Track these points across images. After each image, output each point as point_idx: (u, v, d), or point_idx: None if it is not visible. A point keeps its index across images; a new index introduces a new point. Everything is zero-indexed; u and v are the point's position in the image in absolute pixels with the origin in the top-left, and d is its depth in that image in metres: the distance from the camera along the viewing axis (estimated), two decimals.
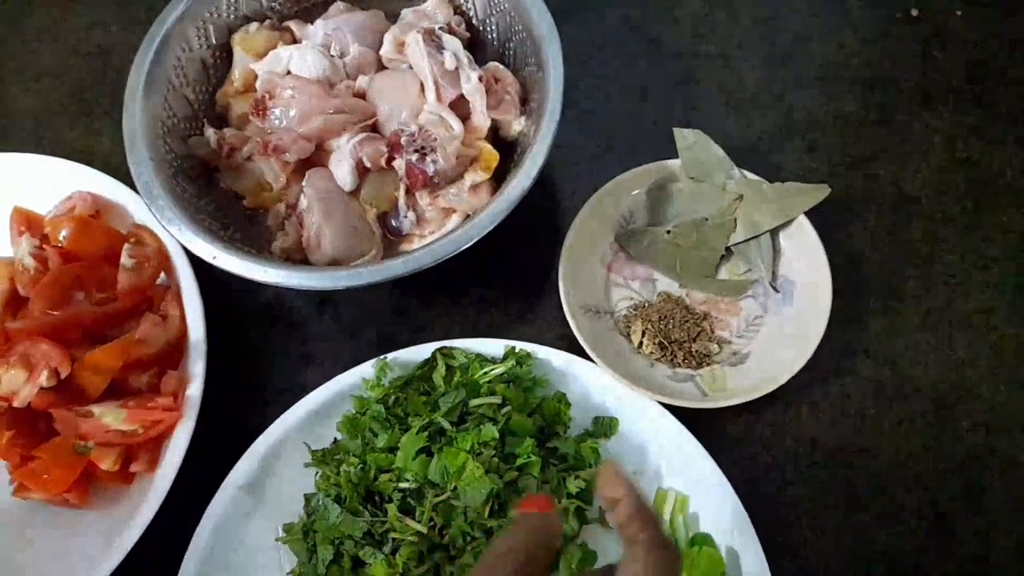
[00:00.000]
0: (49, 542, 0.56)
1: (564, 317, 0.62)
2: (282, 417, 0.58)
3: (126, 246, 0.61)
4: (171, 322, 0.59)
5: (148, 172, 0.58)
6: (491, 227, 0.56)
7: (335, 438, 0.59)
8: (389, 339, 0.66)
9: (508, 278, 0.68)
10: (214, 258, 0.55)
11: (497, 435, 0.52)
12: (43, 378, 0.53)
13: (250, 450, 0.57)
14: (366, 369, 0.59)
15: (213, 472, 0.57)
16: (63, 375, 0.53)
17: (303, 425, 0.59)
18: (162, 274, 0.62)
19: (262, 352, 0.65)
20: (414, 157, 0.61)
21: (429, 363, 0.59)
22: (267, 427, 0.58)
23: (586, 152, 0.73)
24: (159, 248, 0.62)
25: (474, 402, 0.55)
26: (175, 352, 0.59)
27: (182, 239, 0.56)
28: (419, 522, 0.51)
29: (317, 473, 0.57)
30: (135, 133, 0.60)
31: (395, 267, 0.55)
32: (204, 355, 0.58)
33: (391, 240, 0.64)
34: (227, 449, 0.58)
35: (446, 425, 0.54)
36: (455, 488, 0.51)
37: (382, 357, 0.59)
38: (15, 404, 0.54)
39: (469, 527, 0.51)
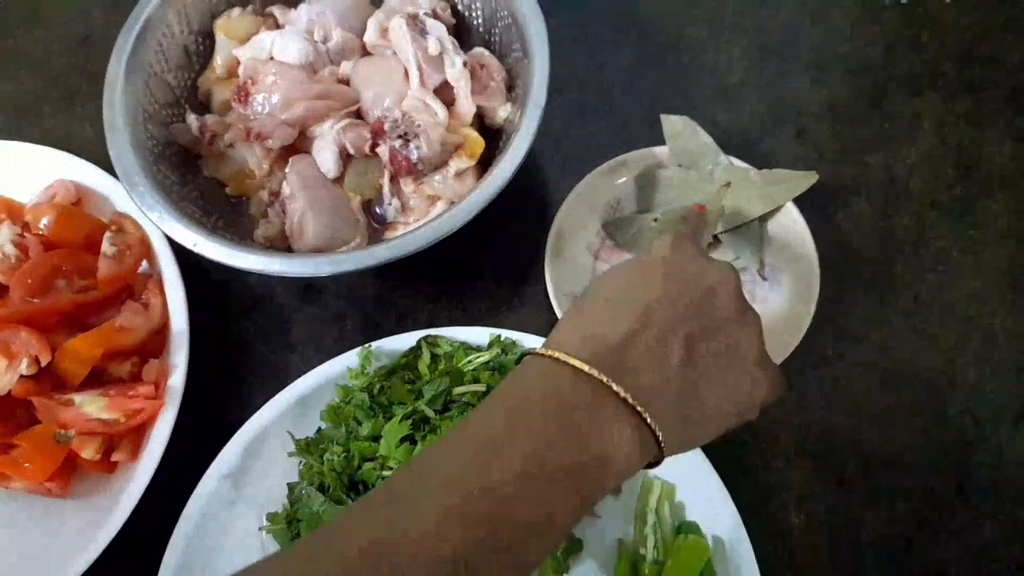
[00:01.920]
0: (30, 532, 0.56)
1: (551, 304, 0.61)
2: (266, 406, 0.58)
3: (107, 234, 0.60)
4: (153, 310, 0.58)
5: (128, 159, 0.57)
6: (475, 214, 0.56)
7: (319, 427, 0.59)
8: (374, 327, 0.65)
9: (494, 266, 0.67)
10: (195, 245, 0.55)
11: None
12: (23, 366, 0.53)
13: (233, 439, 0.57)
14: (350, 358, 0.59)
15: (196, 461, 0.56)
16: (43, 363, 0.53)
17: (287, 414, 0.58)
18: (144, 263, 0.61)
19: (245, 341, 0.65)
20: (398, 143, 0.61)
21: (414, 351, 0.59)
22: (250, 416, 0.58)
23: (573, 139, 0.72)
24: (141, 237, 0.61)
25: (458, 390, 0.54)
26: (157, 341, 0.58)
27: (163, 226, 0.55)
28: None
29: (301, 462, 0.57)
30: (115, 119, 0.59)
31: (379, 253, 0.55)
32: (187, 344, 0.58)
33: (376, 228, 0.64)
34: (210, 438, 0.57)
35: (430, 413, 0.53)
36: None
37: (366, 346, 0.59)
38: None
39: None
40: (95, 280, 0.59)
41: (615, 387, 0.37)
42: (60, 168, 0.65)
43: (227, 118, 0.64)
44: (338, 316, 0.66)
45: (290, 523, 0.54)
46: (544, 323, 0.65)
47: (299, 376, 0.59)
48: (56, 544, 0.55)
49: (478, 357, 0.56)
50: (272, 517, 0.55)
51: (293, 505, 0.55)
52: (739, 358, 0.42)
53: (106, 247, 0.59)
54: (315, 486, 0.53)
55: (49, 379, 0.54)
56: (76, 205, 0.62)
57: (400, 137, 0.60)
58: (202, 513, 0.55)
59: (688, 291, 0.42)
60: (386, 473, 0.52)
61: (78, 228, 0.60)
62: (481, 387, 0.54)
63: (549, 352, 0.39)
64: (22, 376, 0.53)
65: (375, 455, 0.53)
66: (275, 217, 0.62)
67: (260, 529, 0.56)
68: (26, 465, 0.53)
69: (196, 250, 0.55)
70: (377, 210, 0.64)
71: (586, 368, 0.37)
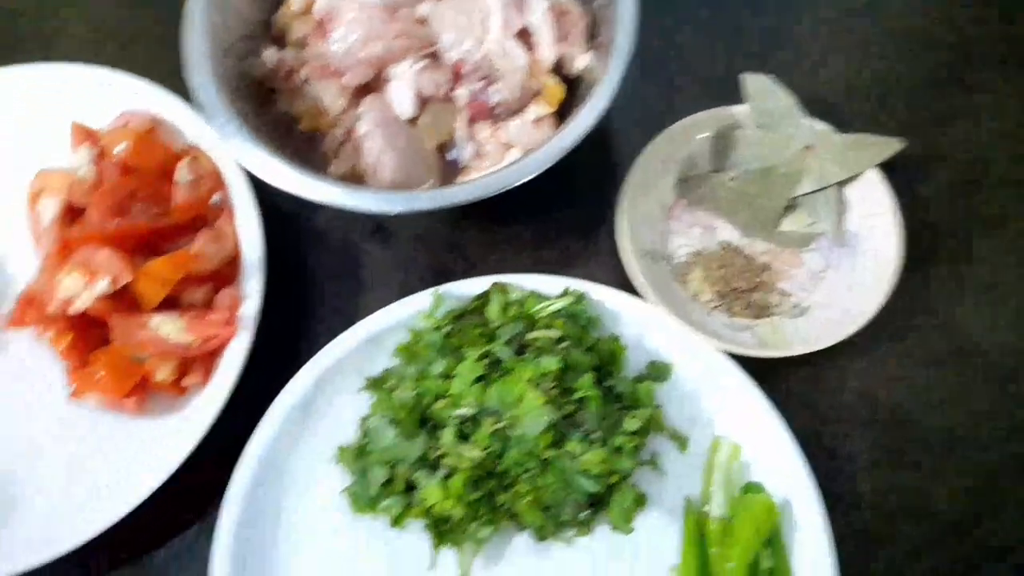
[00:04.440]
0: (105, 448, 0.56)
1: (617, 261, 0.61)
2: (336, 340, 0.58)
3: (181, 163, 0.60)
4: (226, 239, 0.58)
5: (209, 90, 0.57)
6: (555, 161, 0.55)
7: (384, 368, 0.59)
8: (441, 272, 0.65)
9: (563, 218, 0.67)
10: (273, 176, 0.54)
11: (558, 367, 0.51)
12: (103, 285, 0.53)
13: (303, 370, 0.57)
14: (421, 299, 0.59)
15: (266, 389, 0.56)
16: (123, 283, 0.53)
17: (356, 351, 0.58)
18: (216, 195, 0.61)
19: (314, 277, 0.65)
20: (477, 87, 0.60)
21: (484, 297, 0.58)
22: (318, 350, 0.58)
23: (649, 93, 0.71)
24: (213, 168, 0.61)
25: (533, 335, 0.54)
26: (229, 271, 0.58)
27: (241, 157, 0.55)
28: (474, 449, 0.50)
29: (370, 398, 0.57)
30: (195, 51, 0.58)
31: (456, 193, 0.54)
32: (260, 274, 0.58)
33: (448, 173, 0.63)
34: (280, 368, 0.58)
35: (504, 355, 0.53)
36: (512, 417, 0.50)
37: (438, 288, 0.58)
38: (72, 309, 0.53)
39: (525, 457, 0.50)
40: (168, 208, 0.59)
41: None
42: (135, 95, 0.64)
43: (304, 54, 0.63)
44: (407, 259, 0.66)
45: (360, 455, 0.55)
46: (609, 279, 0.64)
47: (366, 315, 0.59)
48: (128, 462, 0.55)
49: (551, 304, 0.56)
50: (342, 449, 0.55)
51: (364, 438, 0.55)
52: None
53: (181, 175, 0.59)
54: (387, 420, 0.53)
55: (125, 301, 0.55)
56: (150, 134, 0.62)
57: (480, 80, 0.59)
58: (271, 440, 0.55)
59: None
60: (459, 412, 0.51)
61: (153, 156, 0.60)
62: (556, 333, 0.53)
63: None
64: (101, 295, 0.53)
65: (447, 394, 0.53)
66: (348, 155, 0.61)
67: (331, 459, 0.56)
68: (103, 381, 0.53)
69: (275, 183, 0.54)
70: (451, 154, 0.63)
71: None
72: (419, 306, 0.59)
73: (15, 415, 0.58)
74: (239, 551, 0.53)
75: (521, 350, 0.54)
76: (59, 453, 0.56)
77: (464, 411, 0.51)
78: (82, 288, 0.53)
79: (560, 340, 0.54)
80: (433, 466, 0.52)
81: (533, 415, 0.50)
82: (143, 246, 0.56)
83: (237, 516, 0.53)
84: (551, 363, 0.51)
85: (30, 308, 0.57)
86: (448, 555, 0.54)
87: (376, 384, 0.57)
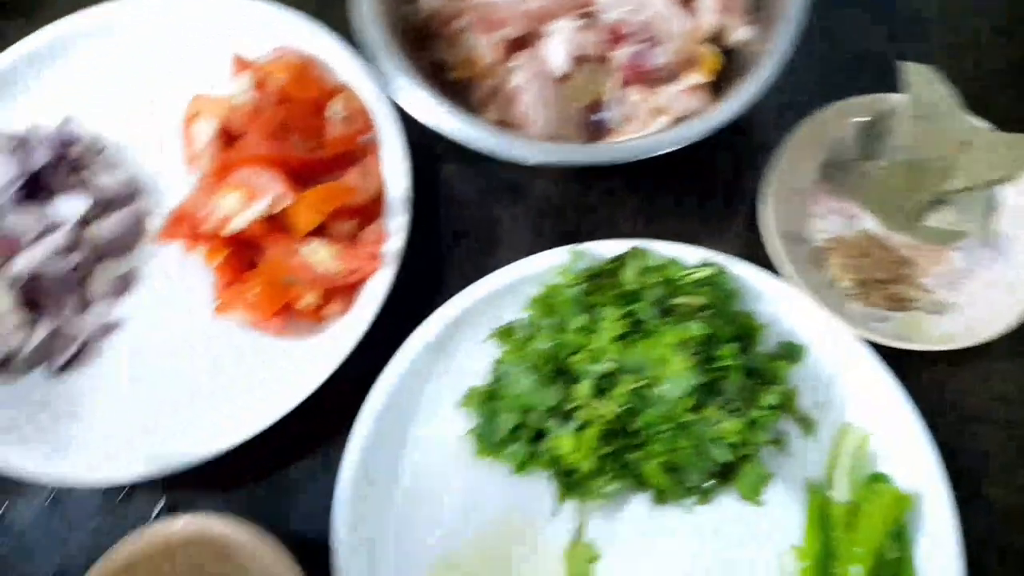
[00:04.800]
0: (243, 366, 0.58)
1: (751, 239, 0.60)
2: (471, 287, 0.59)
3: (334, 99, 0.61)
4: (373, 179, 0.59)
5: (372, 30, 0.58)
6: (716, 129, 0.55)
7: (508, 322, 0.59)
8: (570, 235, 0.65)
9: (702, 190, 0.66)
10: (433, 117, 0.55)
11: (705, 333, 0.51)
12: (264, 204, 0.54)
13: (439, 312, 0.58)
14: (554, 255, 0.59)
15: (396, 329, 0.57)
16: (284, 205, 0.54)
17: (488, 299, 0.59)
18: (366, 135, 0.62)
19: (448, 225, 0.66)
20: (639, 49, 0.60)
21: (620, 259, 0.58)
22: (449, 296, 0.58)
23: (802, 73, 0.69)
24: (363, 107, 0.62)
25: (677, 300, 0.54)
26: (373, 209, 0.60)
27: (398, 96, 0.56)
28: (611, 404, 0.51)
29: (498, 347, 0.58)
30: None
31: (611, 151, 0.55)
32: (407, 212, 0.59)
33: (593, 134, 0.63)
34: (412, 309, 0.59)
35: (649, 316, 0.53)
36: (653, 378, 0.51)
37: (576, 246, 0.59)
38: (230, 227, 0.55)
39: (661, 418, 0.50)
40: (321, 142, 0.60)
41: None
42: (291, 31, 0.66)
43: (463, 3, 0.64)
44: (538, 218, 0.66)
45: (490, 399, 0.55)
46: (743, 255, 0.63)
47: (495, 268, 0.60)
48: (265, 380, 0.57)
49: (694, 273, 0.56)
50: (472, 391, 0.56)
51: (496, 382, 0.56)
52: None
53: (333, 111, 0.61)
54: (522, 367, 0.54)
55: (278, 227, 0.56)
56: (305, 68, 0.63)
57: (643, 42, 0.59)
58: (402, 375, 0.56)
59: None
60: (598, 366, 0.52)
61: (308, 90, 0.61)
62: (701, 299, 0.53)
63: None
64: (258, 216, 0.55)
65: (584, 348, 0.53)
66: (499, 107, 0.62)
67: (458, 401, 0.57)
68: (251, 301, 0.55)
69: (434, 124, 0.55)
70: (598, 116, 0.63)
71: None
72: (552, 262, 0.59)
73: (161, 324, 0.60)
74: (364, 476, 0.54)
75: (663, 314, 0.54)
76: (200, 365, 0.59)
77: (604, 366, 0.52)
78: (241, 207, 0.55)
79: (703, 308, 0.54)
80: (565, 417, 0.53)
81: (676, 377, 0.50)
82: (297, 176, 0.57)
83: (365, 443, 0.55)
84: (698, 328, 0.51)
85: (182, 223, 0.59)
86: (566, 506, 0.55)
87: (505, 334, 0.58)
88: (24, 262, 0.57)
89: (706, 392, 0.51)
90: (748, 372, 0.53)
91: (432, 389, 0.58)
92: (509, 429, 0.54)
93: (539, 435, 0.54)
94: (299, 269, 0.54)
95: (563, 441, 0.51)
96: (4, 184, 0.58)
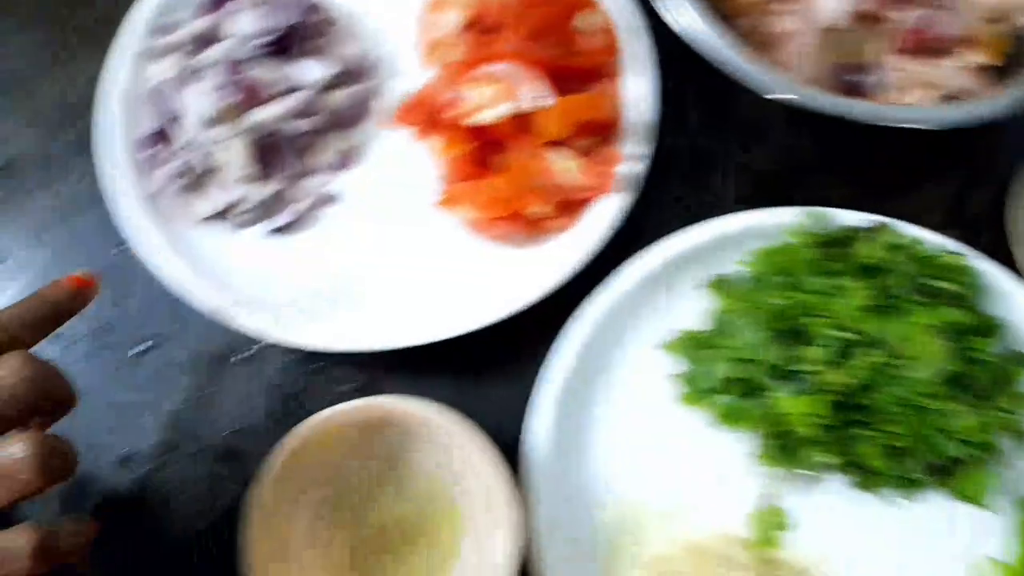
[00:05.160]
0: (452, 264, 0.57)
1: (993, 237, 0.57)
2: (692, 229, 0.56)
3: (584, 12, 0.59)
4: (617, 99, 0.57)
5: None
6: (996, 116, 0.51)
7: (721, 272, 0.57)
8: (789, 196, 0.62)
9: (943, 175, 0.63)
10: (710, 47, 0.53)
11: (963, 320, 0.48)
12: (522, 102, 0.53)
13: (657, 247, 0.56)
14: (789, 213, 0.57)
15: (609, 258, 0.56)
16: (543, 106, 0.53)
17: (706, 245, 0.57)
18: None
19: (672, 164, 0.62)
20: (923, 14, 0.56)
21: (858, 231, 0.56)
22: (664, 234, 0.57)
23: None
24: (609, 25, 0.59)
25: (931, 281, 0.51)
26: (612, 129, 0.57)
27: (685, 24, 0.53)
28: (846, 375, 0.49)
29: (712, 296, 0.56)
30: None
31: (881, 112, 0.52)
32: (650, 140, 0.57)
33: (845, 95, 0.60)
34: (626, 241, 0.57)
35: (902, 292, 0.50)
36: (898, 356, 0.48)
37: (816, 208, 0.56)
38: (476, 119, 0.54)
39: (901, 400, 0.48)
40: (570, 52, 0.58)
41: None
42: None
43: None
44: (767, 174, 0.63)
45: (701, 345, 0.54)
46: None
47: (710, 216, 0.57)
48: (474, 286, 0.56)
49: (943, 257, 0.53)
50: (686, 334, 0.55)
51: (715, 329, 0.54)
52: None
53: (583, 23, 0.58)
54: (746, 320, 0.52)
55: (521, 129, 0.55)
56: None
57: (934, 8, 0.56)
58: (609, 308, 0.55)
59: None
60: (838, 334, 0.50)
61: None
62: (955, 286, 0.51)
63: None
64: (510, 113, 0.53)
65: (819, 311, 0.51)
66: (754, 48, 0.59)
67: (663, 345, 0.56)
68: (479, 199, 0.54)
69: (710, 54, 0.53)
70: (853, 78, 0.60)
71: None
72: (781, 219, 0.57)
73: (377, 206, 0.59)
74: (560, 401, 0.53)
75: (916, 294, 0.51)
76: (410, 254, 0.58)
77: (846, 334, 0.50)
78: (495, 101, 0.53)
79: (955, 296, 0.51)
80: (785, 377, 0.51)
81: (927, 360, 0.48)
82: (552, 81, 0.55)
83: (565, 367, 0.54)
84: (957, 315, 0.48)
85: (419, 110, 0.58)
86: (761, 470, 0.53)
87: (720, 284, 0.56)
88: (263, 115, 0.56)
89: (954, 382, 0.48)
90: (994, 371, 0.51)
91: (635, 326, 0.56)
92: (723, 379, 0.53)
93: (751, 391, 0.52)
94: (542, 174, 0.53)
95: (787, 402, 0.50)
96: (252, 34, 0.57)
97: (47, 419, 0.39)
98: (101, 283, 0.44)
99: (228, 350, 0.58)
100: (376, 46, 0.63)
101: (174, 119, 0.57)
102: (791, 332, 0.52)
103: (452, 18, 0.60)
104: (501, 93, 0.53)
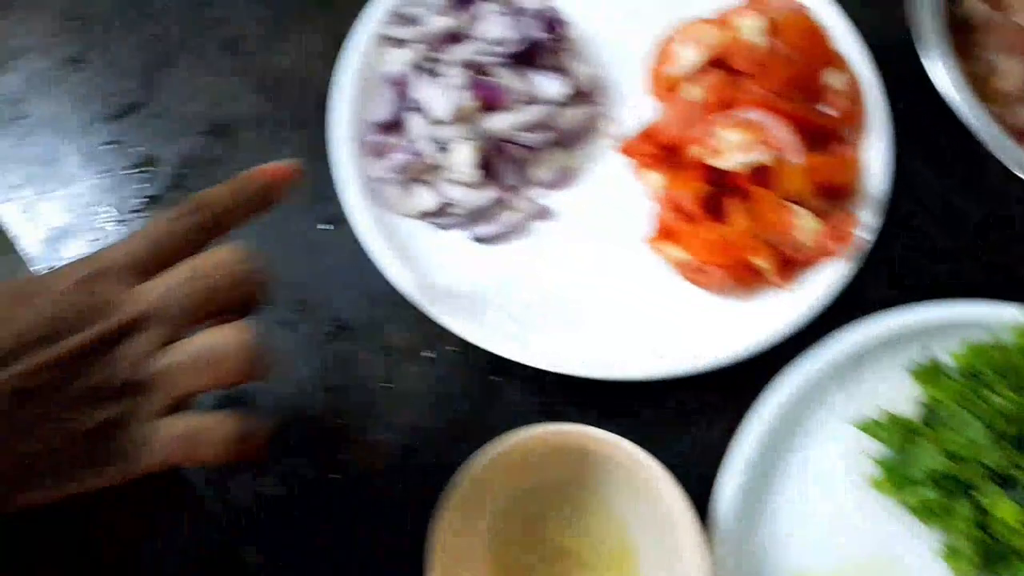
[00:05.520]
0: (656, 304, 0.57)
1: None
2: (911, 308, 0.55)
3: (833, 69, 0.58)
4: (856, 162, 0.56)
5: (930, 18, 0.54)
6: None
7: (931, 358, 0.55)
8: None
9: None
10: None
11: None
12: (764, 155, 0.52)
13: (864, 324, 0.54)
14: (1014, 311, 0.54)
15: (817, 326, 0.54)
16: (793, 161, 0.52)
17: (921, 330, 0.55)
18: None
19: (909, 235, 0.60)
20: None
21: None
22: (872, 311, 0.55)
23: None
24: (858, 85, 0.58)
25: None
26: (845, 193, 0.56)
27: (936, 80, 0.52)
28: None
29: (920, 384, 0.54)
30: None
31: None
32: (882, 208, 0.56)
33: None
34: (836, 311, 0.55)
35: None
36: None
37: None
38: (720, 163, 0.53)
39: None
40: (815, 110, 0.57)
41: None
42: None
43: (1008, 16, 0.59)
44: (1000, 265, 0.60)
45: (910, 433, 0.52)
46: None
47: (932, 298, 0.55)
48: (674, 329, 0.55)
49: None
50: (891, 417, 0.53)
51: (928, 417, 0.52)
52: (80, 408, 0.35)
53: (834, 80, 0.57)
54: (967, 413, 0.50)
55: (759, 180, 0.54)
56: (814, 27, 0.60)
57: None
58: (809, 378, 0.53)
59: (46, 325, 0.35)
60: None
61: (815, 53, 0.58)
62: None
63: None
64: (756, 162, 0.52)
65: None
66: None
67: (856, 423, 0.54)
68: (706, 243, 0.53)
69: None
70: None
71: None
72: (1006, 315, 0.54)
73: (587, 229, 0.59)
74: (755, 459, 0.52)
75: None
76: (612, 284, 0.57)
77: None
78: (746, 148, 0.52)
79: None
80: (1007, 484, 0.49)
81: None
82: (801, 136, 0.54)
83: (764, 426, 0.53)
84: None
85: (646, 142, 0.57)
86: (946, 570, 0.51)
87: (931, 372, 0.54)
88: (500, 123, 0.56)
89: None
90: None
91: (834, 398, 0.55)
92: (929, 472, 0.51)
93: (960, 490, 0.50)
94: (780, 229, 0.52)
95: (1006, 509, 0.47)
96: (496, 40, 0.58)
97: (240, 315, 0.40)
98: (301, 175, 0.44)
99: (415, 346, 0.58)
100: (607, 70, 0.63)
101: (409, 110, 0.58)
102: (1016, 437, 0.50)
103: (692, 55, 0.59)
104: (754, 141, 0.52)
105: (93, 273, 0.37)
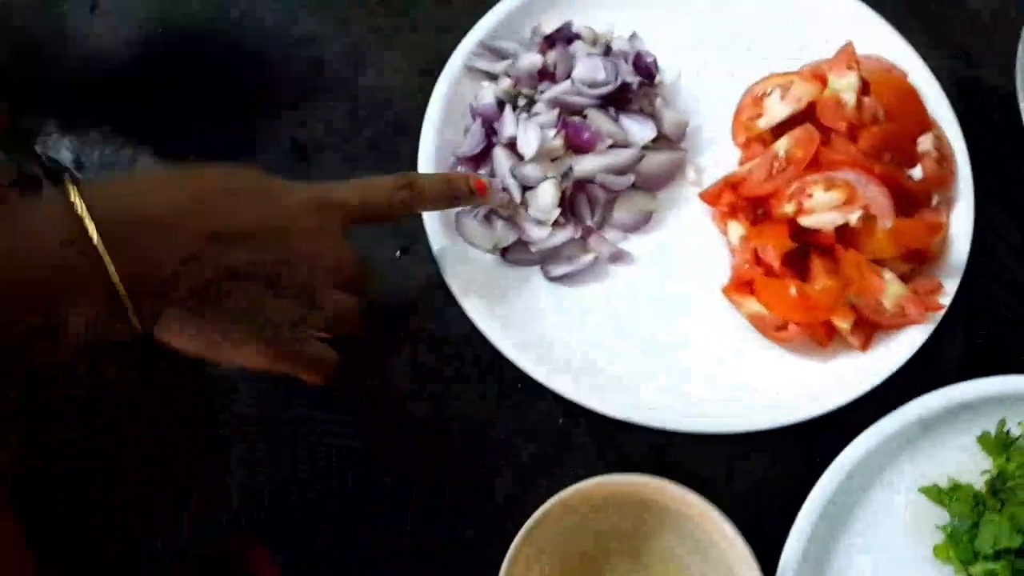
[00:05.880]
0: (726, 356, 0.57)
1: None
2: (961, 384, 0.54)
3: (927, 134, 0.57)
4: (942, 229, 0.56)
5: None
6: None
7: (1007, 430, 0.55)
8: None
9: None
10: None
11: None
12: (855, 216, 0.52)
13: (942, 392, 0.54)
14: None
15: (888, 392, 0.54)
16: (884, 225, 0.52)
17: (995, 401, 0.54)
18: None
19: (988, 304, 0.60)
20: None
21: None
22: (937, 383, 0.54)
23: None
24: (950, 152, 0.58)
25: None
26: (929, 258, 0.56)
27: None
28: None
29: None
30: None
31: None
32: (960, 275, 0.55)
33: None
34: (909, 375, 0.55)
35: None
36: None
37: None
38: (807, 221, 0.53)
39: None
40: (905, 173, 0.57)
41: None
42: (887, 47, 0.63)
43: None
44: None
45: (978, 503, 0.52)
46: None
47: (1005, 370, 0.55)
48: (744, 385, 0.56)
49: None
50: (958, 486, 0.52)
51: (998, 488, 0.52)
52: (289, 301, 0.43)
53: (926, 145, 0.57)
54: None
55: (844, 240, 0.54)
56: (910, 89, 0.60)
57: None
58: (879, 443, 0.53)
59: (280, 227, 0.42)
60: None
61: (908, 113, 0.58)
62: None
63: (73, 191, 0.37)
64: (844, 223, 0.52)
65: None
66: None
67: (920, 488, 0.54)
68: (787, 300, 0.53)
69: None
70: None
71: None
72: None
73: (661, 274, 0.59)
74: (820, 521, 0.52)
75: None
76: (683, 333, 0.58)
77: None
78: (837, 207, 0.52)
79: None
80: None
81: None
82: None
83: (825, 495, 0.52)
84: None
85: (729, 191, 0.57)
86: None
87: (1005, 444, 0.54)
88: (586, 164, 0.57)
89: None
90: None
91: (902, 464, 0.55)
92: (995, 543, 0.50)
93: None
94: (867, 292, 0.52)
95: None
96: (586, 80, 0.58)
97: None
98: (490, 195, 0.55)
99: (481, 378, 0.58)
100: (693, 115, 0.63)
101: (495, 144, 0.58)
102: None
103: (781, 108, 0.59)
104: (846, 200, 0.52)
105: (325, 202, 0.45)
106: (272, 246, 0.42)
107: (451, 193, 0.52)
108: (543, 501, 0.48)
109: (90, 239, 0.36)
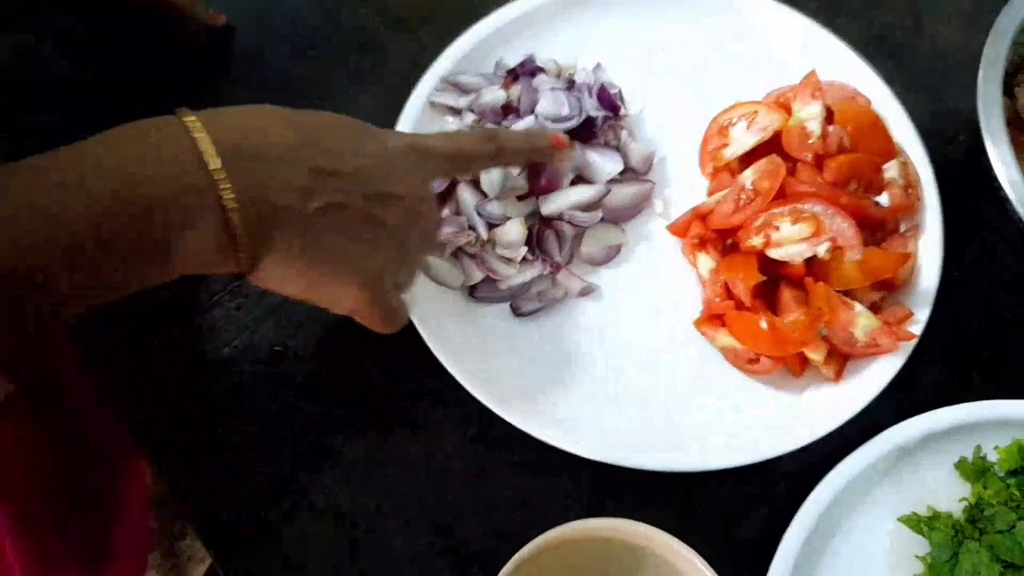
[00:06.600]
0: (697, 390, 0.56)
1: None
2: (936, 411, 0.54)
3: (892, 162, 0.57)
4: (911, 258, 0.55)
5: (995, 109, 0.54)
6: None
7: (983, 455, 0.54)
8: None
9: None
10: None
11: None
12: (823, 248, 0.51)
13: (917, 421, 0.53)
14: None
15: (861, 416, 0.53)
16: (852, 258, 0.51)
17: (970, 428, 0.54)
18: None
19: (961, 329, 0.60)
20: None
21: None
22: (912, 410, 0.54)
23: None
24: (916, 179, 0.58)
25: None
26: (895, 287, 0.56)
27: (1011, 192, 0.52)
28: None
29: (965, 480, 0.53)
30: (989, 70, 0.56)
31: None
32: (931, 305, 0.55)
33: None
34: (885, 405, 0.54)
35: None
36: None
37: None
38: (777, 254, 0.53)
39: None
40: (871, 202, 0.56)
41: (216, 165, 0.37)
42: (852, 74, 0.62)
43: None
44: None
45: (956, 532, 0.51)
46: None
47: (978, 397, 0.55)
48: (718, 417, 0.55)
49: None
50: (937, 515, 0.52)
51: (971, 520, 0.51)
52: (387, 240, 0.44)
53: (893, 174, 0.57)
54: (1012, 516, 0.49)
55: (812, 272, 0.53)
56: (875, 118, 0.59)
57: None
58: (855, 475, 0.52)
59: (381, 166, 0.44)
60: None
61: (874, 143, 0.57)
62: None
63: (192, 120, 0.38)
64: (812, 255, 0.52)
65: None
66: None
67: (900, 518, 0.53)
68: (759, 333, 0.53)
69: None
70: None
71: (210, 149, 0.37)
72: None
73: (629, 308, 0.58)
74: (800, 555, 0.51)
75: None
76: (655, 369, 0.57)
77: None
78: (799, 239, 0.52)
79: None
80: None
81: None
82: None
83: (808, 520, 0.52)
84: None
85: (697, 224, 0.57)
86: None
87: (981, 471, 0.53)
88: (555, 202, 0.56)
89: None
90: None
91: (879, 494, 0.54)
92: (974, 572, 0.50)
93: None
94: (838, 324, 0.51)
95: None
96: (549, 116, 0.57)
97: None
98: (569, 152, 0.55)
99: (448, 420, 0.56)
100: (659, 146, 0.62)
101: (460, 182, 0.57)
102: None
103: (747, 138, 0.59)
104: (814, 233, 0.52)
105: (422, 148, 0.47)
106: (376, 182, 0.43)
107: (532, 146, 0.53)
108: (520, 539, 0.46)
109: (206, 165, 0.37)
